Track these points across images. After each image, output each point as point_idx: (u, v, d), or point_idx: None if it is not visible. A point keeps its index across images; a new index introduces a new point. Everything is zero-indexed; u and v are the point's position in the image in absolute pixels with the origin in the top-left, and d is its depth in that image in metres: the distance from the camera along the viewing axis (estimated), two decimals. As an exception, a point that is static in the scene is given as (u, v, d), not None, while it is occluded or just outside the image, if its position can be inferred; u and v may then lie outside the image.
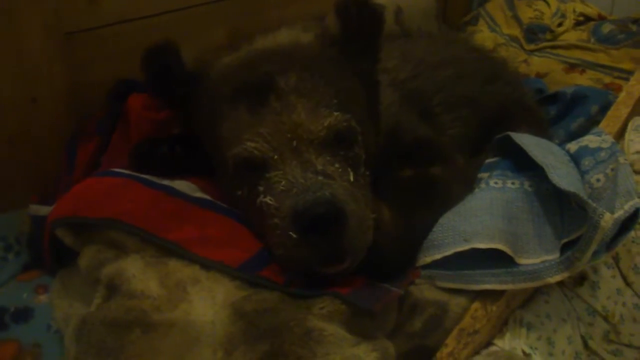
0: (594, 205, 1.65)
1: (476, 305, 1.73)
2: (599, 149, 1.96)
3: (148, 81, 1.92)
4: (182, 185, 1.80)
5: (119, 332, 1.48)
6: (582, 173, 1.91)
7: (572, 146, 2.03)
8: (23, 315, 1.80)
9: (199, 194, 1.80)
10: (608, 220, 1.63)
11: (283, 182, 1.62)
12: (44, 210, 1.96)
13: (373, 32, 1.92)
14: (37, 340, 1.76)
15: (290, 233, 1.56)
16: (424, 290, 1.75)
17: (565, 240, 1.74)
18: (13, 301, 1.83)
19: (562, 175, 1.78)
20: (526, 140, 1.94)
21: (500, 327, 1.79)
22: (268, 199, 1.63)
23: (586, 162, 1.93)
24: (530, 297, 1.86)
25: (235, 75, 1.83)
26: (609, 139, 2.00)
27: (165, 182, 1.80)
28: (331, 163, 1.66)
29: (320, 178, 1.59)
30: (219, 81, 1.86)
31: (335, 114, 1.70)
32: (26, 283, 1.90)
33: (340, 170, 1.67)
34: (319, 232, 1.53)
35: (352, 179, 1.68)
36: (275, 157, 1.66)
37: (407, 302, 1.71)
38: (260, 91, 1.72)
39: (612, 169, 1.87)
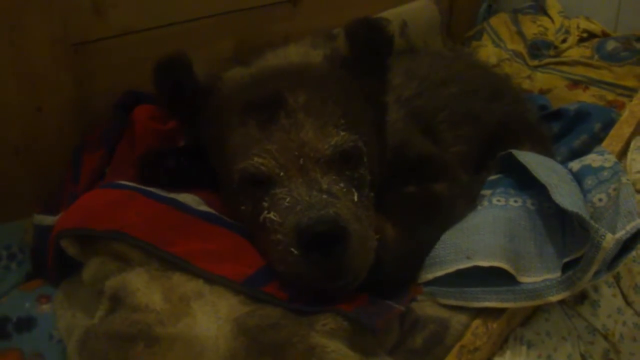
0: (596, 226, 1.65)
1: (477, 322, 1.73)
2: (602, 168, 1.96)
3: (158, 92, 1.92)
4: (187, 198, 1.81)
5: (123, 346, 1.48)
6: (585, 192, 1.91)
7: (575, 165, 2.03)
8: (25, 324, 1.81)
9: (203, 208, 1.80)
10: (610, 241, 1.64)
11: (288, 199, 1.62)
12: (48, 220, 1.97)
13: (382, 53, 1.93)
14: (39, 349, 1.76)
15: (292, 249, 1.56)
16: (426, 307, 1.76)
17: (566, 259, 1.75)
18: (15, 310, 1.83)
19: (565, 195, 1.78)
20: (529, 159, 1.94)
21: (501, 345, 1.79)
22: (272, 215, 1.64)
23: (589, 182, 1.94)
24: (531, 315, 1.86)
25: (246, 91, 1.84)
26: (612, 158, 2.01)
27: (171, 195, 1.80)
28: (336, 182, 1.67)
29: (324, 196, 1.60)
30: (229, 95, 1.87)
31: (343, 133, 1.71)
32: (29, 292, 1.90)
33: (345, 190, 1.67)
34: (321, 249, 1.53)
35: (356, 199, 1.68)
36: (282, 174, 1.66)
37: (408, 319, 1.71)
38: (270, 108, 1.73)
39: (615, 189, 1.87)
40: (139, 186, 1.82)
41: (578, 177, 1.98)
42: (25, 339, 1.78)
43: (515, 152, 1.99)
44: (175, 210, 1.75)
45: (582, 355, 1.89)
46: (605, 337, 1.93)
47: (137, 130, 2.11)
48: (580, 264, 1.68)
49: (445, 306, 1.77)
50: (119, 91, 2.30)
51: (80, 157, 2.21)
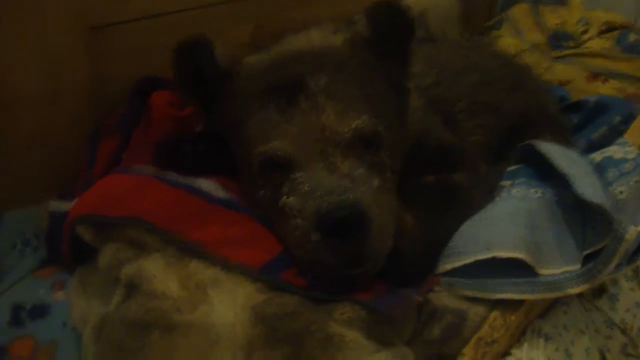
0: (619, 218, 1.63)
1: (495, 314, 1.71)
2: (624, 160, 1.94)
3: (178, 75, 1.90)
4: (205, 184, 1.79)
5: (139, 333, 1.48)
6: (606, 184, 1.89)
7: (597, 156, 2.01)
8: (39, 311, 1.80)
9: (222, 194, 1.79)
10: (632, 233, 1.61)
11: (307, 184, 1.61)
12: (63, 206, 1.95)
13: (404, 36, 1.91)
14: (53, 337, 1.75)
15: (312, 235, 1.55)
16: (443, 298, 1.74)
17: (587, 251, 1.73)
18: (29, 297, 1.82)
19: (587, 186, 1.76)
20: (550, 149, 1.92)
21: (518, 337, 1.78)
22: (291, 200, 1.63)
23: (610, 174, 1.92)
24: (549, 308, 1.84)
25: (266, 74, 1.82)
26: (634, 150, 1.98)
27: (188, 181, 1.79)
28: (357, 167, 1.65)
29: (345, 181, 1.59)
30: (249, 79, 1.85)
31: (363, 117, 1.69)
32: (43, 280, 1.89)
33: (365, 174, 1.66)
34: (341, 235, 1.52)
35: (377, 184, 1.67)
36: (301, 158, 1.65)
37: (425, 309, 1.70)
38: (290, 91, 1.71)
39: (636, 181, 1.85)
40: (155, 171, 1.81)
41: (599, 169, 1.96)
42: (38, 327, 1.77)
43: (535, 142, 1.97)
44: (192, 196, 1.74)
45: (599, 350, 1.87)
46: (624, 332, 1.91)
47: (155, 115, 2.10)
48: (601, 257, 1.66)
49: (462, 297, 1.75)
50: (136, 76, 2.28)
51: (97, 142, 2.20)
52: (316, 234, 1.55)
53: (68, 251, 1.80)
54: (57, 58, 2.12)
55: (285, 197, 1.65)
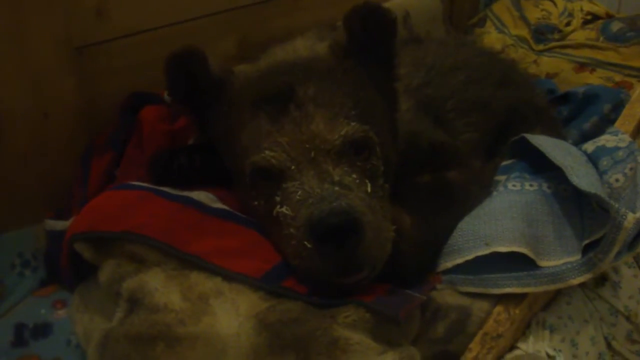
0: (617, 205, 1.64)
1: (499, 309, 1.71)
2: (617, 148, 1.95)
3: (171, 85, 1.90)
4: (201, 195, 1.79)
5: (143, 347, 1.47)
6: (601, 173, 1.90)
7: (589, 146, 2.02)
8: (42, 330, 1.81)
9: (218, 205, 1.79)
10: (631, 220, 1.62)
11: (299, 192, 1.61)
12: (59, 225, 1.96)
13: (384, 39, 1.90)
14: (57, 355, 1.77)
15: (306, 243, 1.55)
16: (446, 296, 1.74)
17: (586, 241, 1.74)
18: (31, 317, 1.84)
19: (582, 176, 1.77)
20: (543, 142, 1.93)
21: (524, 330, 1.78)
22: (285, 209, 1.63)
23: (604, 162, 1.92)
24: (552, 300, 1.85)
25: (257, 85, 1.82)
26: (626, 138, 1.99)
27: (184, 193, 1.79)
28: (348, 174, 1.65)
29: (336, 188, 1.58)
30: (241, 90, 1.85)
31: (353, 124, 1.69)
32: (44, 298, 1.91)
33: (357, 181, 1.65)
34: (334, 242, 1.51)
35: (369, 189, 1.67)
36: (293, 167, 1.65)
37: (429, 308, 1.70)
38: (280, 100, 1.71)
39: (631, 168, 1.86)
40: (151, 186, 1.80)
41: (593, 159, 1.97)
42: (42, 345, 1.78)
43: (528, 135, 1.97)
44: (189, 209, 1.73)
45: (605, 338, 1.88)
46: (628, 318, 1.92)
47: (145, 131, 2.10)
48: (601, 246, 1.67)
49: (465, 294, 1.75)
50: (125, 93, 2.29)
51: (89, 161, 2.20)
52: (310, 242, 1.54)
53: (67, 269, 1.79)
54: (44, 79, 2.13)
55: (278, 206, 1.65)
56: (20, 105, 2.09)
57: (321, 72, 1.82)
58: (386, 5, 1.90)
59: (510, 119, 2.33)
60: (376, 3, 1.85)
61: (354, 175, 1.66)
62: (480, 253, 1.74)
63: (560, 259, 1.73)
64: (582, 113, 2.65)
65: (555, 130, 2.38)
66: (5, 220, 2.11)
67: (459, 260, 1.76)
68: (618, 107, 2.52)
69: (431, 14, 3.23)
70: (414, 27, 3.07)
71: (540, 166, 1.91)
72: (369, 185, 1.68)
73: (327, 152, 1.66)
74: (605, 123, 2.47)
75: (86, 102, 2.24)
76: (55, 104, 2.16)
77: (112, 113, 2.27)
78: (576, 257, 1.73)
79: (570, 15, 3.37)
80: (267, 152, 1.67)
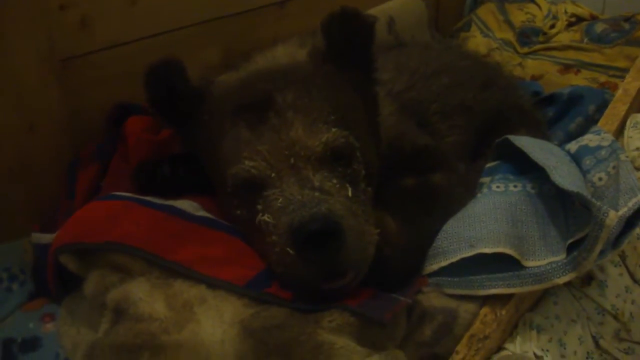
0: (598, 204, 1.64)
1: (485, 310, 1.72)
2: (599, 147, 1.96)
3: (151, 97, 1.90)
4: (184, 204, 1.80)
5: (129, 356, 1.48)
6: (584, 172, 1.91)
7: (572, 146, 2.02)
8: (31, 345, 1.80)
9: (201, 213, 1.79)
10: (613, 218, 1.62)
11: (280, 200, 1.61)
12: (46, 238, 1.95)
13: (362, 43, 1.91)
14: (46, 369, 1.76)
15: (288, 249, 1.55)
16: (432, 298, 1.75)
17: (570, 240, 1.74)
18: (20, 331, 1.83)
19: (564, 176, 1.77)
20: (526, 142, 1.93)
21: (511, 331, 1.78)
22: (266, 217, 1.63)
23: (587, 161, 1.93)
24: (539, 300, 1.85)
25: (236, 94, 1.83)
26: (609, 137, 2.00)
27: (168, 202, 1.79)
28: (329, 179, 1.65)
29: (317, 194, 1.58)
30: (220, 100, 1.86)
31: (333, 129, 1.70)
32: (32, 312, 1.90)
33: (338, 186, 1.66)
34: (316, 247, 1.51)
35: (350, 194, 1.67)
36: (273, 175, 1.65)
37: (415, 311, 1.70)
38: (259, 108, 1.72)
39: (614, 167, 1.86)
40: (134, 196, 1.81)
41: (576, 158, 1.97)
42: (31, 359, 1.77)
43: (511, 137, 1.97)
44: (172, 217, 1.74)
45: (593, 337, 1.88)
46: (615, 317, 1.92)
47: (130, 142, 2.10)
48: (585, 244, 1.67)
49: (452, 296, 1.75)
50: (110, 104, 2.29)
51: (75, 173, 2.20)
52: (292, 249, 1.54)
53: (53, 282, 1.79)
54: (28, 91, 2.13)
55: (260, 214, 1.65)
56: (5, 117, 2.09)
57: (300, 79, 1.82)
58: (371, 11, 1.92)
59: (494, 121, 2.34)
60: (353, 8, 1.86)
61: (335, 180, 1.66)
62: (465, 255, 1.74)
63: (545, 258, 1.74)
64: (567, 114, 2.67)
65: (540, 132, 2.39)
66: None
67: (444, 263, 1.77)
68: (603, 107, 2.53)
69: (416, 19, 3.24)
70: (399, 32, 3.07)
71: (524, 167, 1.92)
72: (349, 189, 1.68)
73: (308, 158, 1.66)
74: (591, 123, 2.47)
75: (71, 114, 2.24)
76: (40, 116, 2.16)
77: (97, 124, 2.28)
78: (561, 257, 1.73)
79: (555, 17, 3.39)
80: (246, 162, 1.67)
